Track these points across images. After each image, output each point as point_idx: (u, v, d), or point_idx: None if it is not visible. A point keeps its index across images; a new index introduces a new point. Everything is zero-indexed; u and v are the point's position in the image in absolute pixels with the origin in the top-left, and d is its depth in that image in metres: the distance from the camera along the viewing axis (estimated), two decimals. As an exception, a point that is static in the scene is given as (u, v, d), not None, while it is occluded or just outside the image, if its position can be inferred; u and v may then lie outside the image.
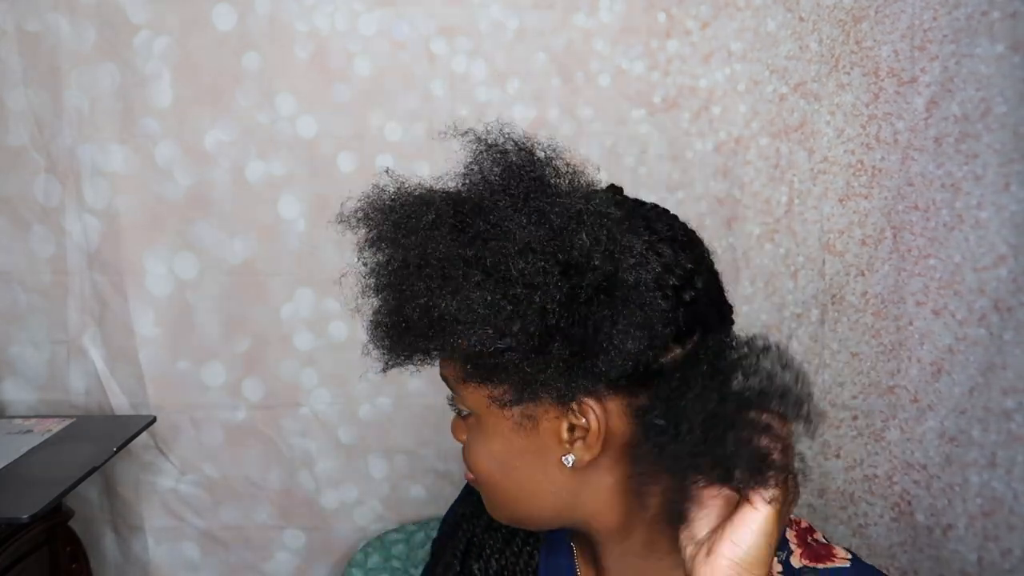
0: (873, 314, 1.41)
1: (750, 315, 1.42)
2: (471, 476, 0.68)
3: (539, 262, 0.54)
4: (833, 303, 1.42)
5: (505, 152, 0.59)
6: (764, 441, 0.55)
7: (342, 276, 0.63)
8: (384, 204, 0.61)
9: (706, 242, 0.68)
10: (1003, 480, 1.42)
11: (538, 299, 0.54)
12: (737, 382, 0.57)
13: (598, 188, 0.61)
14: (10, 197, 1.33)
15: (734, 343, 0.59)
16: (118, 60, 1.30)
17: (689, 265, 0.61)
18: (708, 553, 0.55)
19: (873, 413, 1.44)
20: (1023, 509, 1.42)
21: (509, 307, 0.54)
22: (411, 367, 0.62)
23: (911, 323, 1.41)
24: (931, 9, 1.33)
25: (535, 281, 0.54)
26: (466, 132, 0.61)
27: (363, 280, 0.61)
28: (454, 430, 0.69)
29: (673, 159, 1.38)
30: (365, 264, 0.61)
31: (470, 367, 0.60)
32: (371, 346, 0.62)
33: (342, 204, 0.62)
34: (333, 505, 1.45)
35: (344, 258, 1.39)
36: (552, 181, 0.58)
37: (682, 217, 0.67)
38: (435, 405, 1.41)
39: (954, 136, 1.35)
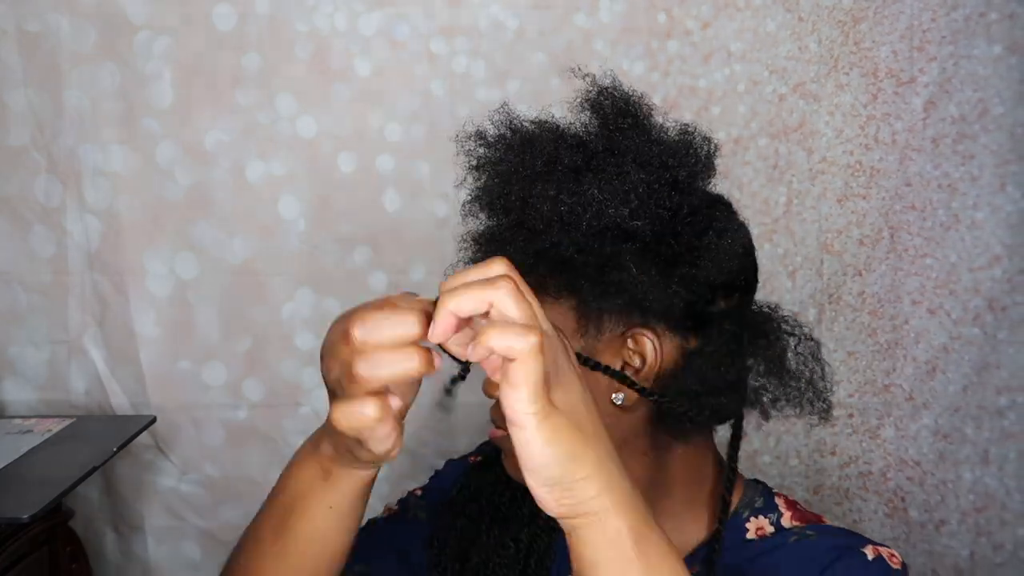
0: (869, 313, 1.42)
1: (748, 314, 1.43)
2: (498, 434, 0.68)
3: (656, 173, 0.62)
4: (830, 303, 1.43)
5: (616, 90, 0.66)
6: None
7: (457, 184, 0.69)
8: (510, 127, 0.66)
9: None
10: (995, 476, 1.44)
11: (655, 202, 0.61)
12: (773, 350, 0.64)
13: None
14: (11, 197, 1.33)
15: (785, 316, 0.67)
16: (118, 60, 1.30)
17: (747, 234, 0.69)
18: (534, 496, 0.49)
19: (868, 411, 1.45)
20: (1015, 505, 1.44)
21: (633, 199, 0.60)
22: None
23: (907, 322, 1.42)
24: (929, 10, 1.34)
25: (653, 191, 0.61)
26: (586, 75, 0.67)
27: (477, 194, 0.66)
28: (487, 384, 0.67)
29: (672, 159, 1.39)
30: (482, 170, 0.66)
31: (575, 276, 0.62)
32: (461, 260, 0.68)
33: (464, 125, 0.67)
34: (333, 504, 1.46)
35: (343, 257, 1.40)
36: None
37: None
38: (431, 403, 1.41)
39: (951, 137, 1.37)
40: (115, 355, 1.38)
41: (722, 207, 0.69)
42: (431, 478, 0.89)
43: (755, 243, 1.39)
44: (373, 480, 0.59)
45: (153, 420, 1.31)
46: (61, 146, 1.31)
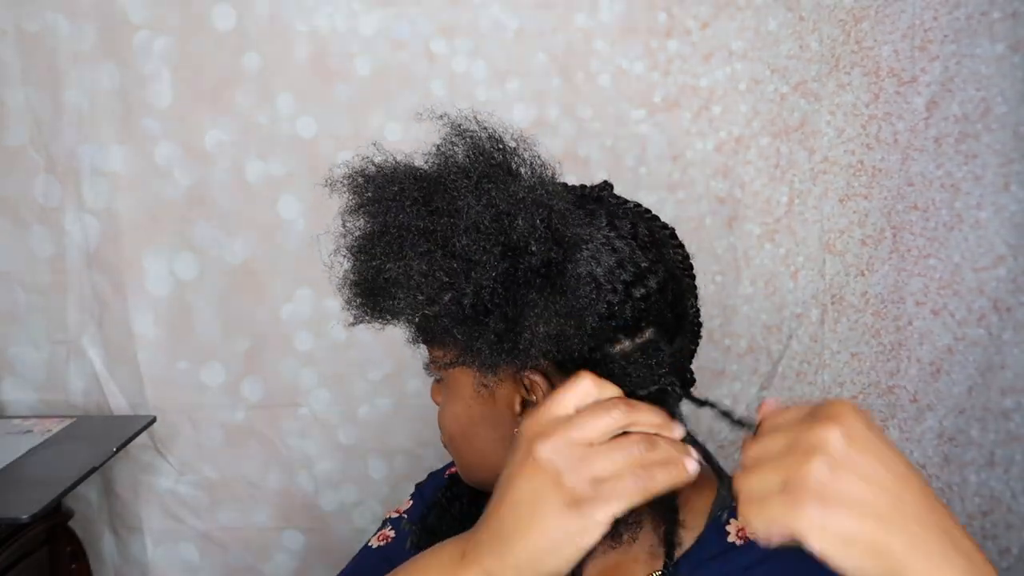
0: (873, 314, 1.41)
1: (750, 315, 1.42)
2: (443, 439, 0.73)
3: (481, 241, 0.58)
4: (833, 303, 1.42)
5: (472, 136, 0.63)
6: None
7: (318, 236, 0.68)
8: (360, 175, 0.65)
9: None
10: (1001, 479, 1.42)
11: (475, 275, 0.58)
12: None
13: (556, 181, 0.64)
14: (10, 197, 1.33)
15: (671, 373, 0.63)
16: (118, 60, 1.30)
17: (644, 264, 0.63)
18: None
19: (872, 413, 1.44)
20: (1021, 508, 1.43)
21: (445, 278, 0.59)
22: (376, 324, 0.66)
23: (910, 323, 1.41)
24: (932, 9, 1.34)
25: (475, 258, 0.58)
26: (442, 116, 0.64)
27: (337, 241, 0.66)
28: (432, 393, 0.74)
29: (673, 159, 1.38)
30: (344, 226, 0.65)
31: (415, 329, 0.67)
32: (343, 303, 0.66)
33: (330, 168, 0.65)
34: (332, 506, 1.45)
35: (340, 256, 1.39)
36: (514, 168, 0.62)
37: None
38: (434, 406, 1.41)
39: (954, 136, 1.36)
40: (114, 355, 1.38)
41: (621, 239, 0.63)
42: (413, 495, 0.87)
43: (757, 243, 1.40)
44: None
45: (152, 421, 1.31)
46: (60, 146, 1.31)
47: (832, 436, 0.47)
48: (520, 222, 0.58)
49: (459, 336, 0.60)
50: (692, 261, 0.70)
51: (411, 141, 1.43)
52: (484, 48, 1.35)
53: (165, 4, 1.29)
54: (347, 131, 1.35)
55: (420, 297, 0.59)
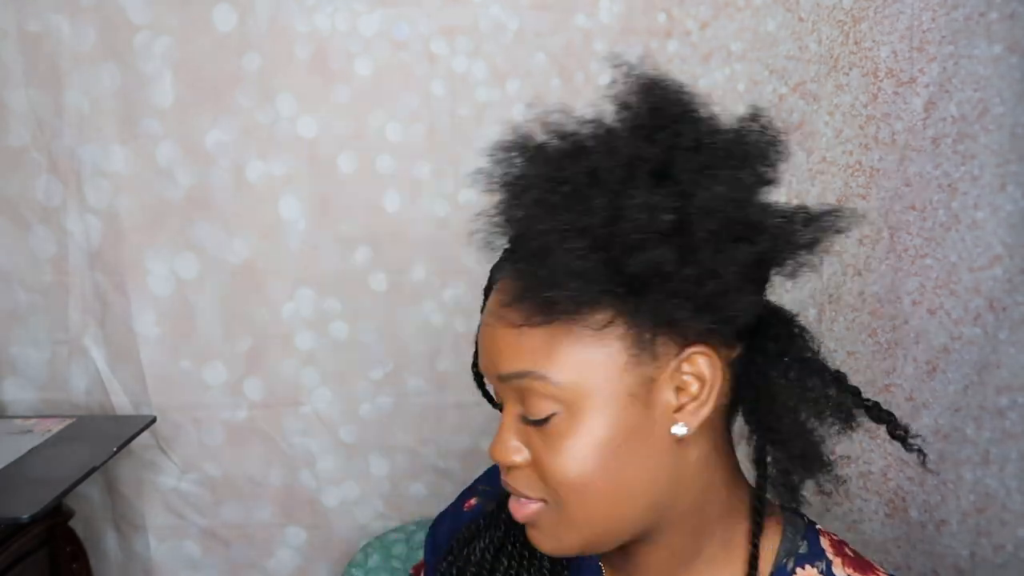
0: (870, 313, 1.42)
1: (748, 314, 1.43)
2: (531, 508, 0.59)
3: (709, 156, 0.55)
4: (830, 303, 1.43)
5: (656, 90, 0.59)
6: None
7: (475, 173, 0.60)
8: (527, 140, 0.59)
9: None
10: (996, 477, 1.44)
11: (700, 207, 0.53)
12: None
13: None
14: (11, 197, 1.33)
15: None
16: (119, 60, 1.30)
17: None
18: None
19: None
20: (1015, 505, 1.44)
21: (673, 213, 0.52)
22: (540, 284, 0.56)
23: (907, 322, 1.42)
24: (930, 10, 1.34)
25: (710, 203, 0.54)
26: (622, 65, 0.60)
27: (503, 217, 0.58)
28: (504, 452, 0.59)
29: (672, 159, 1.39)
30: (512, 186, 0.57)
31: (615, 285, 0.54)
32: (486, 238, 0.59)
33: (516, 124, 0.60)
34: (334, 503, 1.46)
35: (343, 257, 1.40)
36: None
37: None
38: (435, 404, 1.42)
39: (952, 137, 1.37)
40: (116, 355, 1.38)
41: None
42: (427, 551, 0.77)
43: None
44: None
45: (153, 420, 1.31)
46: (61, 146, 1.31)
47: None
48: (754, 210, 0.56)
49: (667, 266, 0.52)
50: None
51: (411, 141, 1.44)
52: (484, 48, 1.35)
53: (166, 4, 1.29)
54: (347, 131, 1.36)
55: (655, 237, 0.52)
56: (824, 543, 0.65)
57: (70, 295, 1.36)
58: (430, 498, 1.46)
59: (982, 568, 1.46)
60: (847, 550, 0.65)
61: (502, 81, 1.36)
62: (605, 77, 1.38)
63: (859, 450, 1.47)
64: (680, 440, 0.57)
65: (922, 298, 1.41)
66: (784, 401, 0.59)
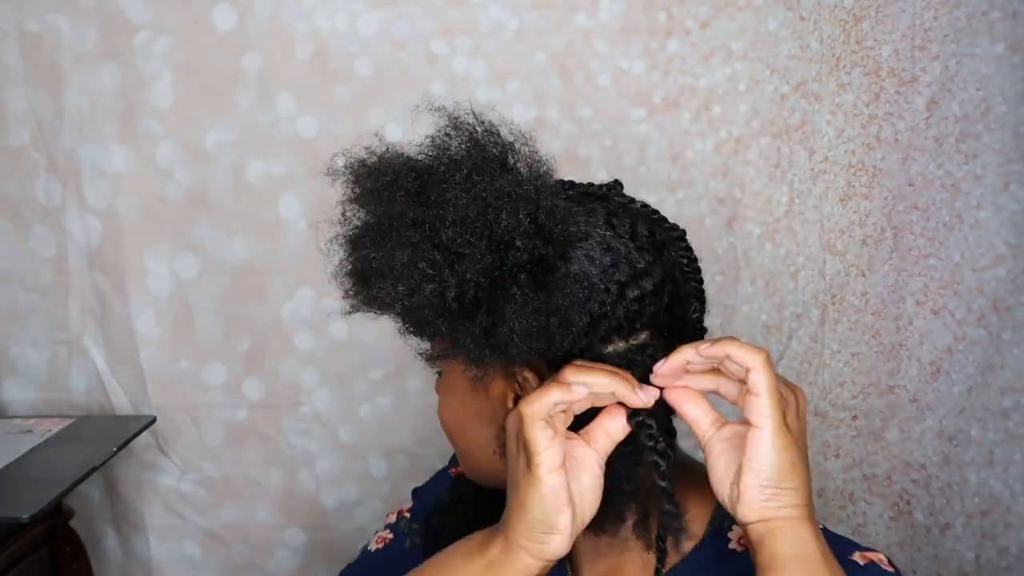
0: (873, 314, 1.41)
1: (750, 315, 1.43)
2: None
3: (467, 234, 0.58)
4: (833, 303, 1.42)
5: (468, 129, 0.62)
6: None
7: (317, 224, 0.69)
8: (360, 164, 0.64)
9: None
10: (1001, 479, 1.42)
11: (459, 267, 0.57)
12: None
13: (551, 178, 0.63)
14: (11, 197, 1.33)
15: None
16: (118, 60, 1.30)
17: (640, 265, 0.62)
18: (738, 496, 0.57)
19: (872, 413, 1.44)
20: (1020, 507, 1.43)
21: (429, 270, 0.58)
22: (371, 314, 0.65)
23: (911, 323, 1.41)
24: (932, 9, 1.33)
25: (460, 250, 0.58)
26: (439, 108, 0.63)
27: (335, 231, 0.66)
28: (436, 386, 0.74)
29: (673, 159, 1.38)
30: (343, 216, 0.65)
31: (405, 321, 0.63)
32: (341, 293, 0.66)
33: (332, 157, 0.65)
34: (333, 504, 1.46)
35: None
36: (509, 163, 0.61)
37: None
38: (435, 405, 1.41)
39: (954, 136, 1.36)
40: (115, 355, 1.38)
41: (620, 238, 0.63)
42: (414, 495, 0.87)
43: (757, 243, 1.40)
44: None
45: (153, 420, 1.31)
46: (61, 146, 1.32)
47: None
48: (505, 216, 0.57)
49: (444, 329, 0.60)
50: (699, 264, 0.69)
51: (411, 141, 1.44)
52: (484, 48, 1.35)
53: (166, 4, 1.29)
54: (347, 131, 1.35)
55: (401, 288, 0.58)
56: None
57: (70, 295, 1.36)
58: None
59: (987, 571, 1.44)
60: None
61: (502, 81, 1.36)
62: (606, 77, 1.38)
63: (863, 453, 1.46)
64: None
65: (926, 298, 1.40)
66: None
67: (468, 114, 0.63)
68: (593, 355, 0.61)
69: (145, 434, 1.33)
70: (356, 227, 0.63)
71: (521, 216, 0.58)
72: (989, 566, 1.45)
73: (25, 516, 1.04)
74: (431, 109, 0.64)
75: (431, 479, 0.88)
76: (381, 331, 1.41)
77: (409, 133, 1.42)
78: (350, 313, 0.66)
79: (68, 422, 1.29)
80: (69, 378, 1.39)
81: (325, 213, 0.67)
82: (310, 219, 1.37)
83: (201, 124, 1.33)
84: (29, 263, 1.35)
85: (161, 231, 1.35)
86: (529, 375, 0.63)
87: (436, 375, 0.73)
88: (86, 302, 1.37)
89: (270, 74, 1.33)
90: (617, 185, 0.69)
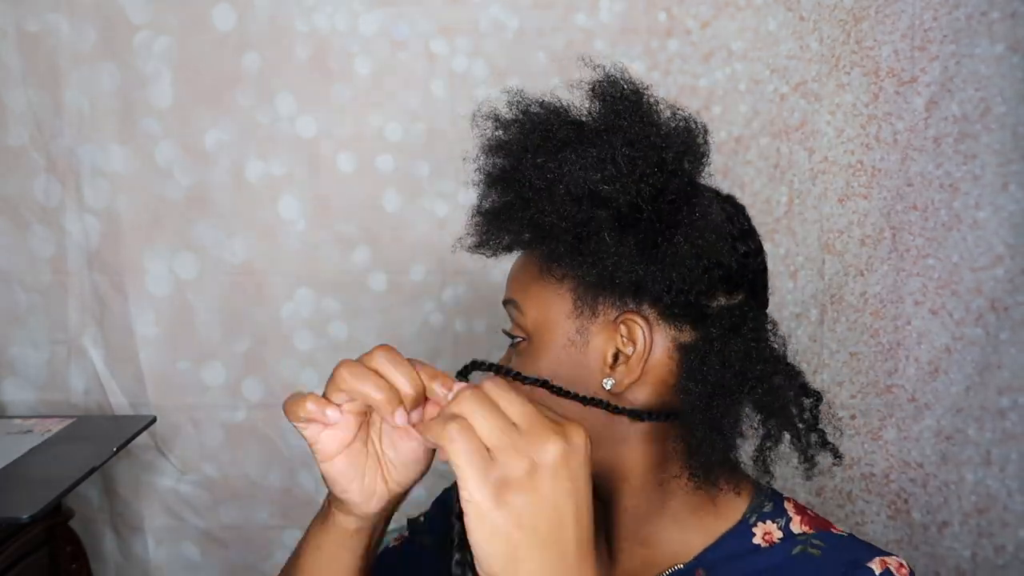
0: (872, 314, 1.42)
1: (749, 315, 1.43)
2: None
3: (641, 152, 0.61)
4: (832, 303, 1.42)
5: (624, 79, 0.66)
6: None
7: (464, 158, 0.70)
8: (520, 108, 0.67)
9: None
10: (997, 478, 1.43)
11: (634, 179, 0.60)
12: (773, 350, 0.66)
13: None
14: (10, 197, 1.33)
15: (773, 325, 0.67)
16: (118, 60, 1.30)
17: (745, 226, 0.67)
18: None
19: (871, 412, 1.45)
20: (1017, 506, 1.43)
21: (605, 181, 0.60)
22: (497, 254, 0.68)
23: (909, 323, 1.42)
24: (931, 9, 1.34)
25: (634, 165, 0.61)
26: (596, 66, 0.67)
27: (482, 166, 0.68)
28: (503, 358, 0.72)
29: (673, 159, 1.39)
30: (490, 150, 0.67)
31: (557, 244, 0.63)
32: (470, 234, 0.69)
33: (479, 105, 0.69)
34: (333, 504, 1.45)
35: (343, 257, 1.40)
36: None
37: None
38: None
39: (953, 136, 1.36)
40: (115, 355, 1.38)
41: (726, 203, 0.68)
42: (433, 503, 0.88)
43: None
44: (361, 536, 0.64)
45: (153, 420, 1.31)
46: (60, 146, 1.31)
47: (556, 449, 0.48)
48: (674, 144, 0.62)
49: (608, 240, 0.60)
50: None
51: (411, 141, 1.44)
52: (484, 48, 1.35)
53: (165, 4, 1.29)
54: (347, 131, 1.36)
55: (608, 171, 0.60)
56: (788, 506, 0.70)
57: (69, 295, 1.36)
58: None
59: (983, 569, 1.45)
60: (809, 512, 0.70)
61: (502, 81, 1.36)
62: (614, 68, 1.38)
63: (862, 452, 1.46)
64: (616, 391, 0.64)
65: (924, 298, 1.41)
66: (720, 380, 0.63)
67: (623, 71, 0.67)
68: (697, 311, 0.63)
69: (144, 435, 1.32)
70: (518, 149, 0.65)
71: (679, 150, 0.63)
72: (986, 564, 1.45)
73: (25, 516, 1.03)
74: (590, 66, 0.67)
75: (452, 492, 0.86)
76: (380, 331, 1.41)
77: (409, 133, 1.42)
78: (477, 248, 0.68)
79: (68, 422, 1.29)
80: (68, 378, 1.39)
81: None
82: (310, 219, 1.37)
83: (201, 124, 1.33)
84: (28, 263, 1.35)
85: (160, 231, 1.35)
86: (639, 320, 0.63)
87: (510, 347, 0.70)
88: (85, 302, 1.37)
89: (270, 74, 1.33)
90: None
